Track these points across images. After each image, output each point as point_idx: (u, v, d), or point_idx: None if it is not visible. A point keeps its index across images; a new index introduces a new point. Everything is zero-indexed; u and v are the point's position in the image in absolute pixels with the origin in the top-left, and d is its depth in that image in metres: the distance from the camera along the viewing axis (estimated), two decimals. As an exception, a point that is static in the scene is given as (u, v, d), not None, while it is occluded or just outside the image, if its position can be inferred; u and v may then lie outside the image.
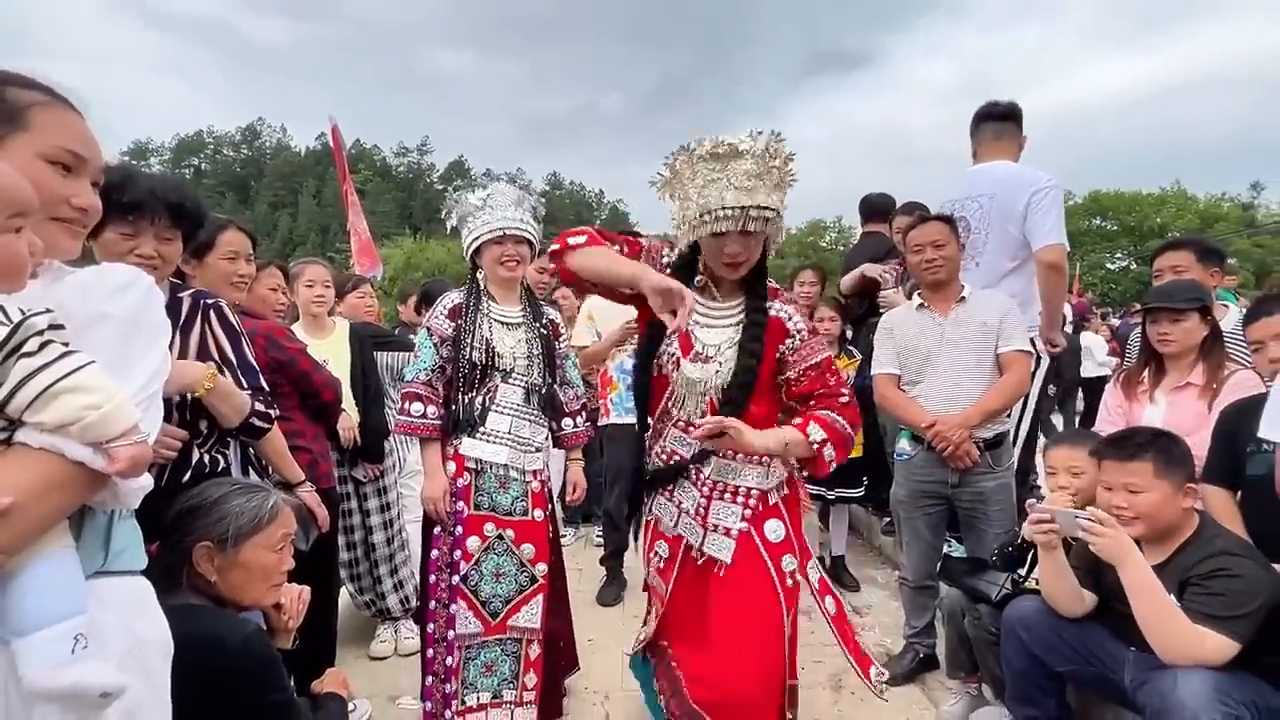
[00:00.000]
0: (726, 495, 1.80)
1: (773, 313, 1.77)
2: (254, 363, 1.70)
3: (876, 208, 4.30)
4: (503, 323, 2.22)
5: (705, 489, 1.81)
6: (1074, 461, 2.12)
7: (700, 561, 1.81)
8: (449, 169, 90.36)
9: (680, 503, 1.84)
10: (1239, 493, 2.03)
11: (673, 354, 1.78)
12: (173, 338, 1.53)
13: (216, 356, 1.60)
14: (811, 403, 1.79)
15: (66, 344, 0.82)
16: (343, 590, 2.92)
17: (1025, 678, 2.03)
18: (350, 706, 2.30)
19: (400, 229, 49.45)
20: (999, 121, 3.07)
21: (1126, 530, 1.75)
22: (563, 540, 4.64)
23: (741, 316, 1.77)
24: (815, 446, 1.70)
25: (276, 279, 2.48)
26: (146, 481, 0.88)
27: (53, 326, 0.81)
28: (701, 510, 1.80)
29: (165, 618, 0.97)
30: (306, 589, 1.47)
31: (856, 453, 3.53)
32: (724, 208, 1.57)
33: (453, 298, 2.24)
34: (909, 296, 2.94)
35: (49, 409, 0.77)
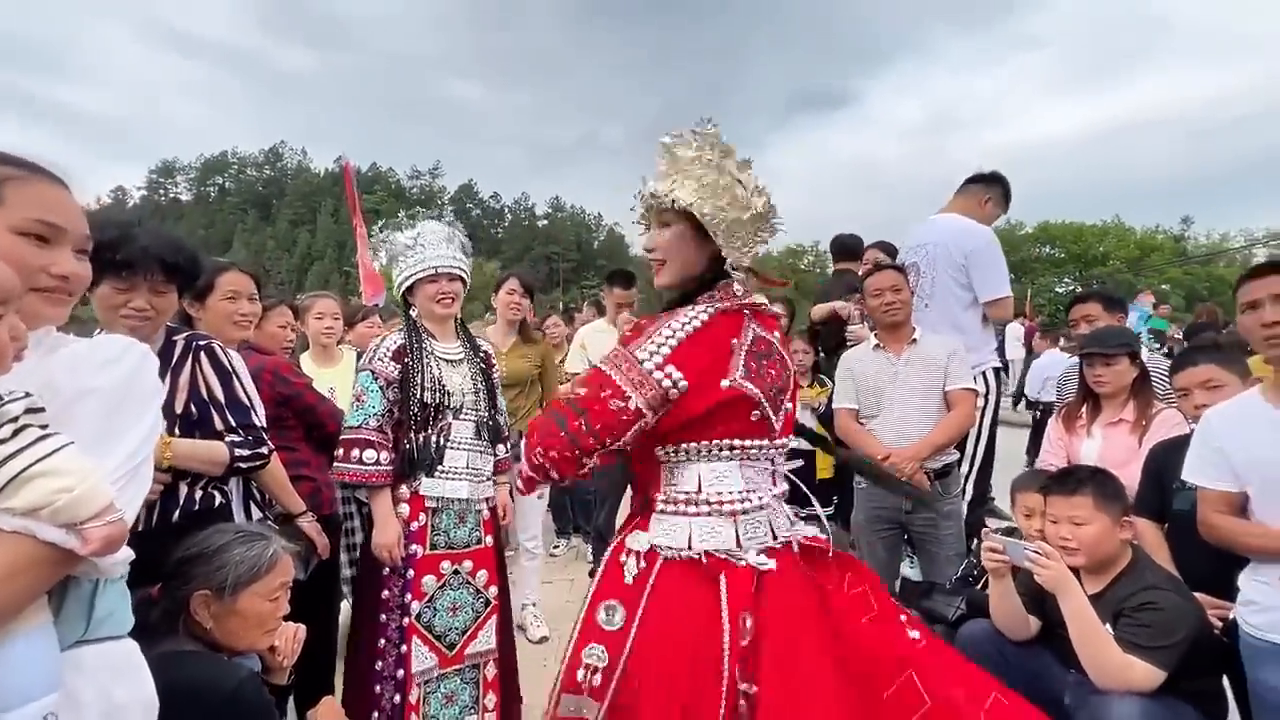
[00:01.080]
0: None
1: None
2: (245, 400, 1.65)
3: (847, 247, 4.35)
4: (447, 360, 2.09)
5: None
6: (1035, 503, 2.11)
7: None
8: (459, 191, 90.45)
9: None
10: (1165, 525, 2.05)
11: None
12: (163, 379, 1.49)
13: (204, 395, 1.56)
14: None
15: (45, 426, 0.79)
16: (344, 604, 2.87)
17: (974, 695, 2.03)
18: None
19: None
20: (972, 183, 3.13)
21: (1070, 560, 1.77)
22: (554, 551, 4.64)
23: None
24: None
25: (286, 317, 2.46)
26: (126, 554, 0.84)
27: (30, 410, 0.78)
28: None
29: (150, 676, 0.93)
30: (302, 628, 1.43)
31: (827, 474, 3.56)
32: (644, 194, 1.37)
33: (395, 339, 2.05)
34: (873, 330, 2.97)
35: (20, 494, 0.74)
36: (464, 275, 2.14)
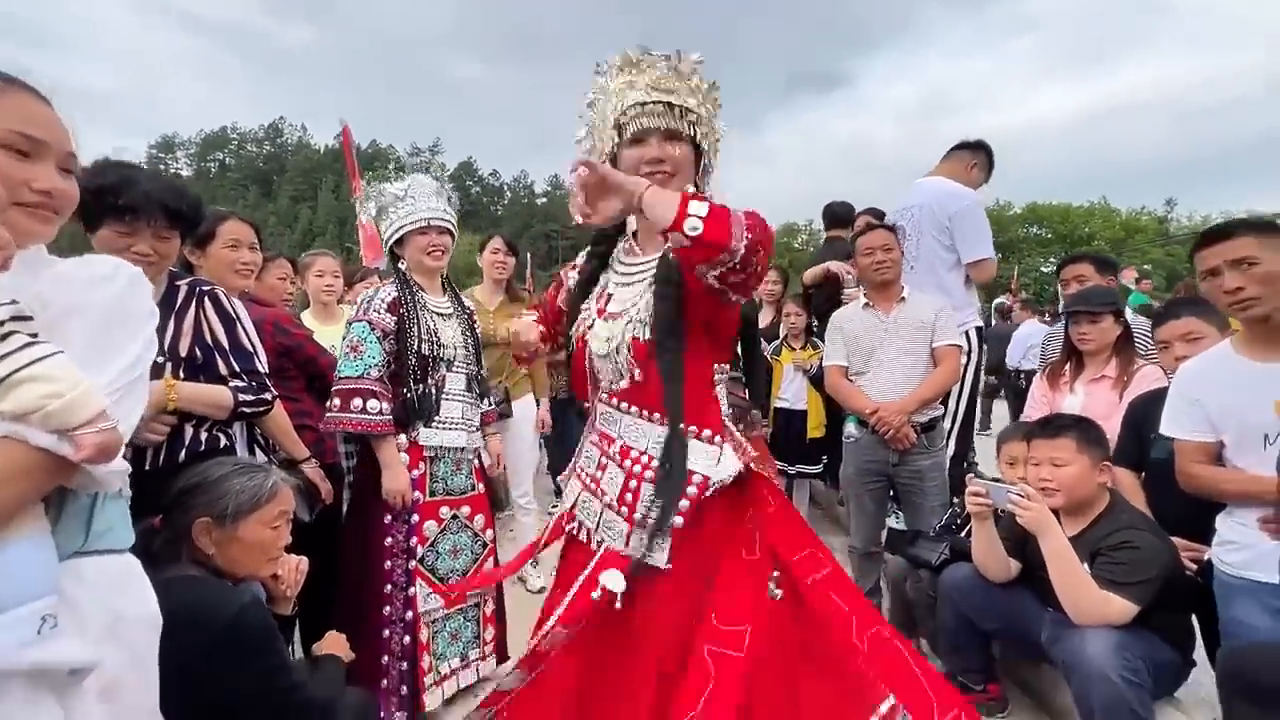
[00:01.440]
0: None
1: None
2: (249, 346, 1.62)
3: (838, 216, 4.32)
4: (439, 314, 2.07)
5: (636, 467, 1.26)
6: (1019, 452, 2.12)
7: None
8: (459, 169, 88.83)
9: (603, 491, 1.30)
10: (1143, 474, 2.06)
11: (589, 318, 1.35)
12: (166, 323, 1.47)
13: (209, 340, 1.54)
14: None
15: (34, 335, 0.76)
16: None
17: (957, 634, 2.06)
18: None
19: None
20: (959, 149, 3.11)
21: (1049, 501, 1.78)
22: (551, 510, 4.66)
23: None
24: (696, 217, 1.03)
25: (285, 269, 2.41)
26: (121, 465, 0.82)
27: (16, 318, 0.75)
28: (629, 495, 1.26)
29: (154, 594, 0.92)
30: (304, 559, 1.43)
31: (818, 433, 3.58)
32: (640, 103, 1.22)
33: (389, 291, 2.01)
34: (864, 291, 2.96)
35: (8, 398, 0.72)
36: (452, 229, 2.11)
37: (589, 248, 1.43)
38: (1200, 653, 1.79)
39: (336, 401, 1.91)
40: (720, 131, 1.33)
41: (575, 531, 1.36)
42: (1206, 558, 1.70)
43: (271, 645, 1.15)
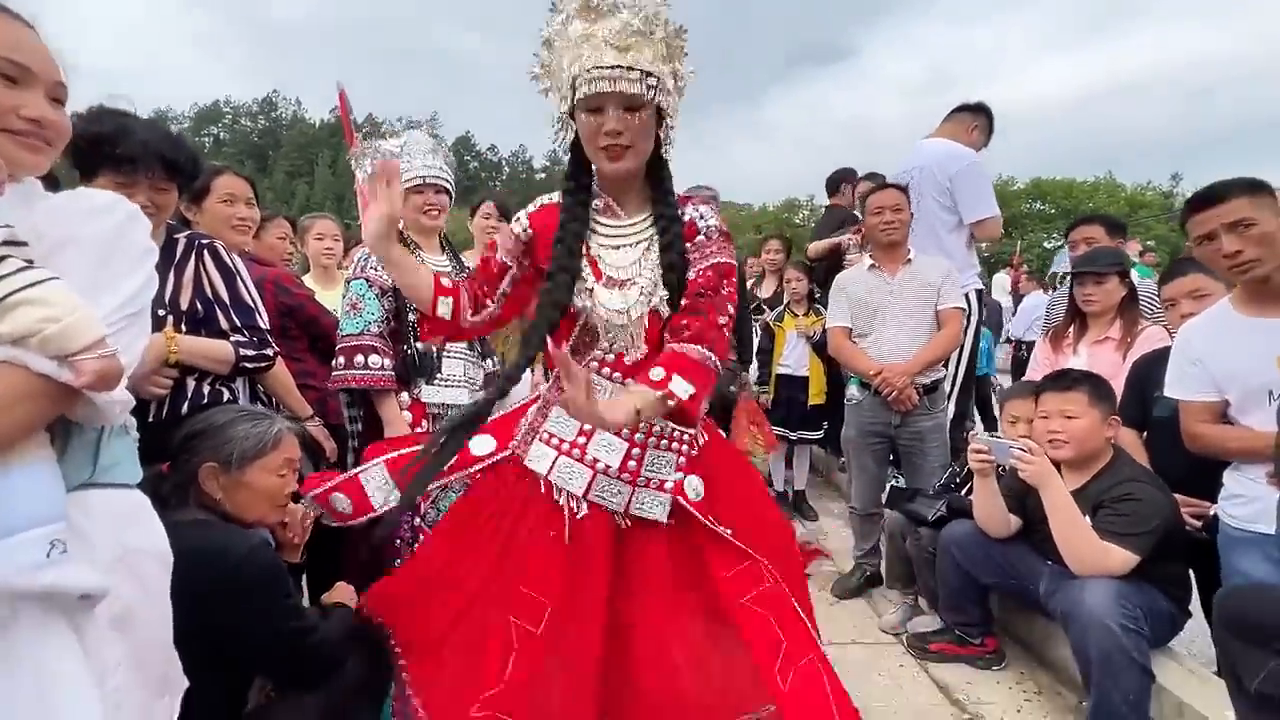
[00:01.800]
0: (663, 442, 1.32)
1: (685, 217, 1.33)
2: (250, 301, 1.61)
3: (838, 181, 4.28)
4: (437, 270, 2.07)
5: (639, 435, 1.30)
6: (1022, 411, 2.12)
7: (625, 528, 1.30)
8: (457, 143, 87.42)
9: (595, 460, 1.30)
10: (1145, 433, 2.06)
11: (587, 285, 1.28)
12: (166, 275, 1.45)
13: (209, 294, 1.52)
14: (688, 310, 1.27)
15: (29, 260, 0.75)
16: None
17: (957, 590, 2.09)
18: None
19: (409, 198, 47.99)
20: (960, 111, 3.08)
21: (1058, 453, 1.79)
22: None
23: (651, 230, 1.32)
24: (681, 402, 1.12)
25: (284, 229, 2.38)
26: (123, 396, 0.81)
27: (10, 243, 0.73)
28: (633, 463, 1.29)
29: (164, 530, 0.92)
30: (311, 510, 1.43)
31: (819, 399, 3.59)
32: (597, 66, 1.14)
33: None
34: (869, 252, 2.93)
35: (5, 320, 0.71)
36: (449, 188, 2.06)
37: (563, 199, 1.33)
38: (1196, 605, 1.82)
39: (340, 359, 1.91)
40: (687, 75, 1.25)
41: (556, 498, 1.30)
42: (1212, 512, 1.71)
43: (282, 586, 1.16)
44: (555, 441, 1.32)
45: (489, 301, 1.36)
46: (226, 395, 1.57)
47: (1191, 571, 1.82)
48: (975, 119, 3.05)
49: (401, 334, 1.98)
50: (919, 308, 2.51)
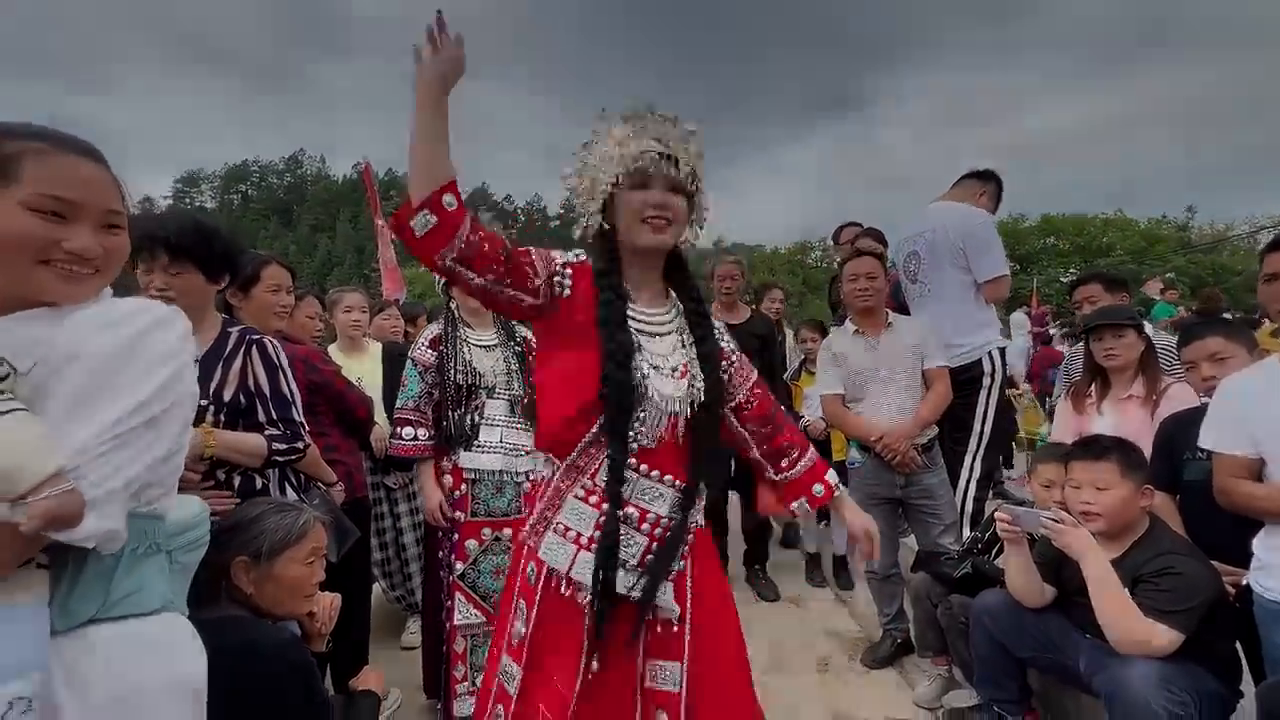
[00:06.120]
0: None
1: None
2: (288, 395, 1.64)
3: (842, 230, 4.32)
4: (480, 346, 2.25)
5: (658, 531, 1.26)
6: (1055, 475, 2.06)
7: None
8: (473, 195, 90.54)
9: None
10: (1178, 496, 2.01)
11: (642, 371, 1.23)
12: (214, 369, 1.50)
13: (252, 387, 1.56)
14: (772, 429, 1.41)
15: (3, 392, 0.72)
16: (376, 586, 2.90)
17: (991, 663, 2.01)
18: (395, 699, 2.31)
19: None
20: (968, 177, 3.13)
21: (1090, 526, 1.74)
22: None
23: (680, 321, 1.34)
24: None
25: (314, 308, 2.49)
26: (101, 528, 0.75)
27: None
28: (650, 557, 1.25)
29: (187, 655, 0.87)
30: (337, 596, 1.45)
31: (841, 455, 3.52)
32: (645, 151, 1.21)
33: (433, 329, 2.27)
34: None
35: None
36: None
37: (601, 280, 1.27)
38: (1248, 683, 1.73)
39: (394, 429, 2.20)
40: (709, 204, 1.34)
41: (566, 591, 1.23)
42: (1245, 582, 1.66)
43: (311, 682, 1.17)
44: (573, 535, 1.23)
45: (493, 254, 1.16)
46: (259, 482, 1.59)
47: (1240, 645, 1.75)
48: (983, 185, 3.08)
49: (443, 404, 2.19)
50: (906, 369, 2.55)
